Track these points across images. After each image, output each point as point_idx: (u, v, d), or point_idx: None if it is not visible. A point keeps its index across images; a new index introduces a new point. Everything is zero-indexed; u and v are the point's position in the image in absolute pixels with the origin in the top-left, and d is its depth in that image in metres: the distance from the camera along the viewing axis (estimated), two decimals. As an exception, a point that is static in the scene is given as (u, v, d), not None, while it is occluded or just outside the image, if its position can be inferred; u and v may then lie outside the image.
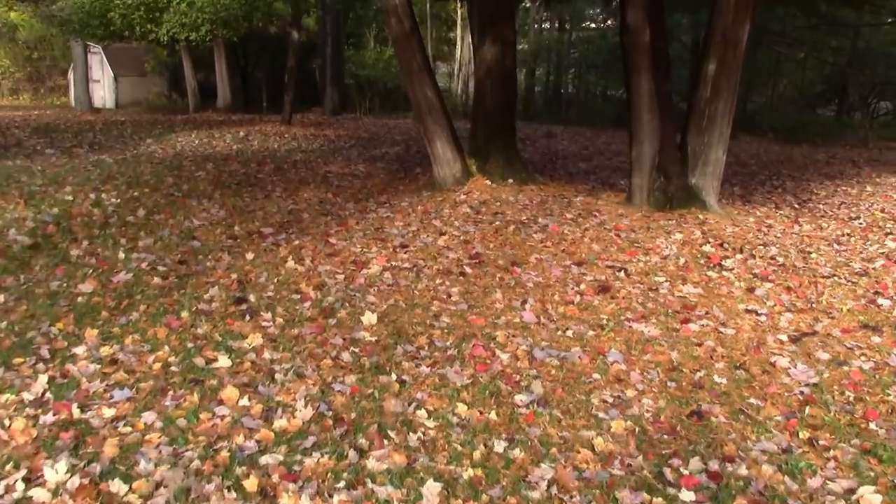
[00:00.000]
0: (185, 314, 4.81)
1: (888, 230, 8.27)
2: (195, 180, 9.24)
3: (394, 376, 4.03)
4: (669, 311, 5.29)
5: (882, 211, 9.49)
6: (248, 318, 4.85)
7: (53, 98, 31.85)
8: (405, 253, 6.60)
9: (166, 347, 4.28)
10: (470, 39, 29.95)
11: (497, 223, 7.72)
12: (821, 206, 9.77)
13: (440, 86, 31.78)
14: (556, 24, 31.20)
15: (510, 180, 9.58)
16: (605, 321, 5.03)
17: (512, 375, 4.11)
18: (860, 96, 22.66)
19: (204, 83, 27.22)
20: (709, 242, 7.13)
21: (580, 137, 19.28)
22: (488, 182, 9.48)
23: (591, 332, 4.87)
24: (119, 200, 7.72)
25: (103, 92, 29.49)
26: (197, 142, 13.59)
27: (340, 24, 22.74)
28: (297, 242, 6.70)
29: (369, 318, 4.89)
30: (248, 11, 14.49)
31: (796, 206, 9.77)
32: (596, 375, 4.17)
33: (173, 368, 4.02)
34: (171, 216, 7.28)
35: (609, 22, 26.55)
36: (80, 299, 5.03)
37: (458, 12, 29.57)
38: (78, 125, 16.69)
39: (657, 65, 8.42)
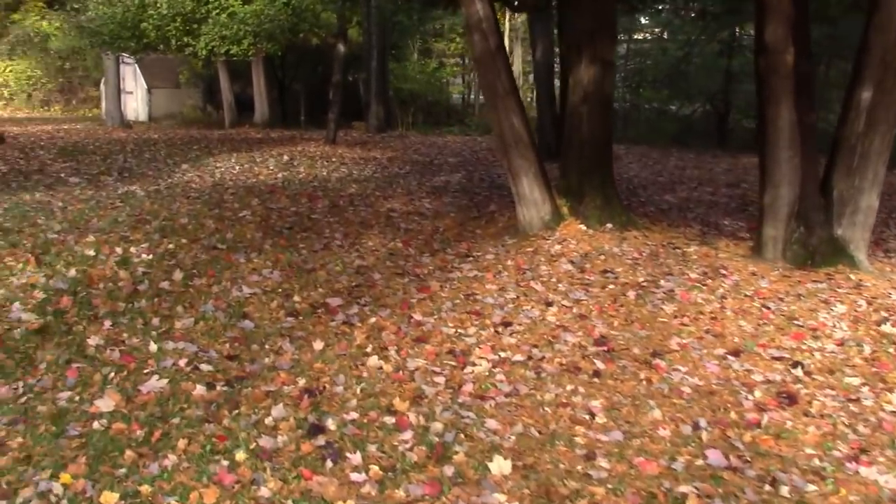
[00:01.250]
0: (240, 455, 3.39)
1: None
2: (240, 224, 7.86)
3: None
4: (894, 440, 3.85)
5: None
6: (329, 463, 3.41)
7: (85, 110, 30.85)
8: (511, 335, 5.17)
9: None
10: (521, 52, 28.55)
11: (611, 287, 6.26)
12: None
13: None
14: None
15: (608, 225, 8.10)
16: (816, 461, 3.58)
17: None
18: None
19: (240, 95, 26.03)
20: (888, 320, 5.61)
21: (647, 160, 17.73)
22: (583, 227, 8.01)
23: (810, 487, 3.40)
24: (151, 256, 6.34)
25: (136, 104, 28.42)
26: (237, 168, 12.25)
27: (387, 36, 21.38)
28: (373, 320, 5.27)
29: (500, 464, 3.44)
30: (295, 23, 13.15)
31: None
32: None
33: None
34: (215, 280, 5.88)
35: (665, 34, 25.01)
36: (96, 425, 3.63)
37: (507, 24, 28.11)
38: (108, 145, 15.44)
39: (801, 92, 6.91)
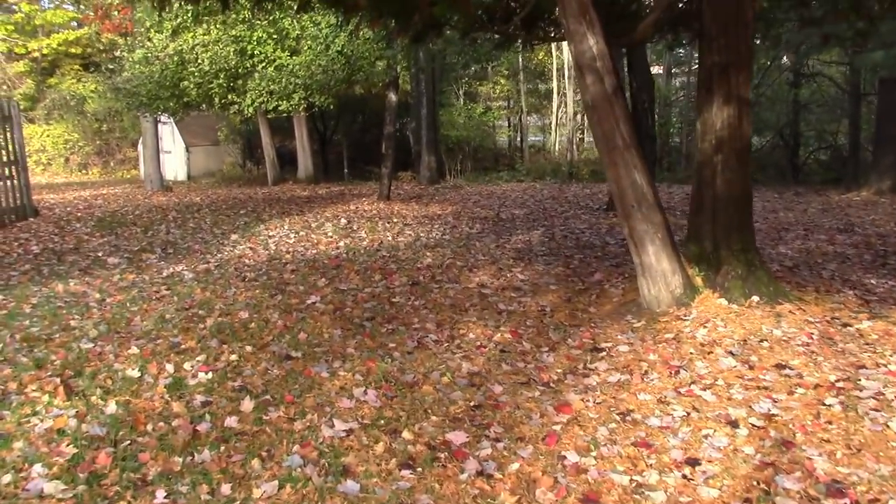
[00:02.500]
0: None
1: None
2: (311, 316, 6.49)
3: None
4: None
5: None
6: None
7: (123, 171, 30.15)
8: (706, 482, 3.72)
9: None
10: (569, 91, 27.19)
11: (799, 392, 4.78)
12: None
13: (535, 140, 29.22)
14: (661, 69, 28.32)
15: (754, 298, 6.61)
16: None
17: None
18: None
19: (280, 150, 25.07)
20: None
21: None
22: (723, 301, 6.54)
23: None
24: (210, 375, 4.98)
25: (175, 163, 27.58)
26: (293, 237, 10.96)
27: (437, 83, 20.22)
28: (515, 466, 3.85)
29: None
30: (349, 74, 11.95)
31: None
32: None
33: None
34: (297, 409, 4.49)
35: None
36: None
37: (555, 61, 26.91)
38: (148, 213, 14.32)
39: None
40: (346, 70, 11.36)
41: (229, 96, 12.88)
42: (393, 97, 15.38)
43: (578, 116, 25.74)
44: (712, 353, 5.56)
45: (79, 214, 14.06)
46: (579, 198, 17.59)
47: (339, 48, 11.23)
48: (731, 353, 5.52)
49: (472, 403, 4.67)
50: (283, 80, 11.06)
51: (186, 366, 5.15)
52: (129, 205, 15.80)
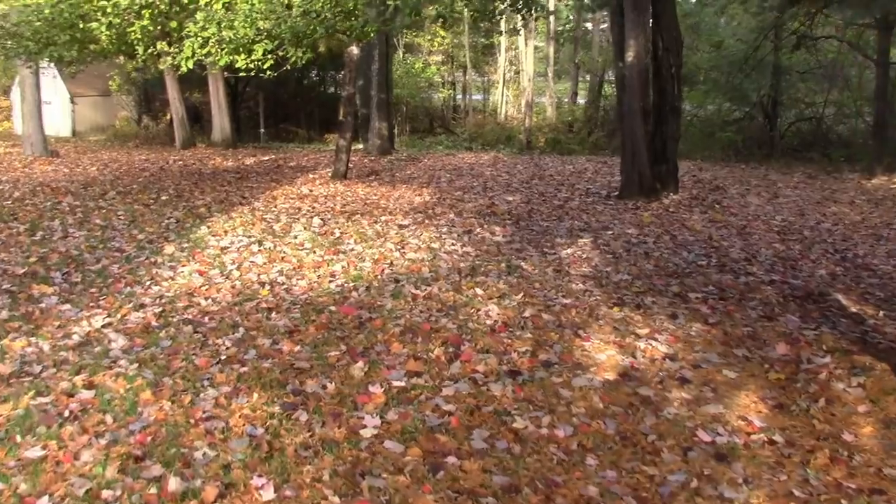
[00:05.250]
0: None
1: None
2: (391, 477, 3.40)
3: None
4: None
5: None
6: None
7: (-5, 124, 25.51)
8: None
9: None
10: (528, 46, 23.89)
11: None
12: None
13: (476, 100, 25.98)
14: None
15: None
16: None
17: None
18: None
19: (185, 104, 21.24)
20: None
21: (741, 182, 13.72)
22: None
23: None
24: None
25: (56, 117, 23.21)
26: (258, 251, 7.65)
27: (391, 34, 16.80)
28: None
29: None
30: (342, 18, 8.49)
31: None
32: None
33: None
34: None
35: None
36: None
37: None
38: (32, 198, 10.60)
39: None
40: (335, 14, 7.92)
41: (158, 45, 9.20)
42: (355, 49, 12.03)
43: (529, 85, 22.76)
44: None
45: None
46: (566, 176, 14.76)
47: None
48: None
49: None
50: (240, 24, 7.56)
51: None
52: (4, 186, 11.96)
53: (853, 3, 14.14)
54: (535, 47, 24.25)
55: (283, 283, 6.52)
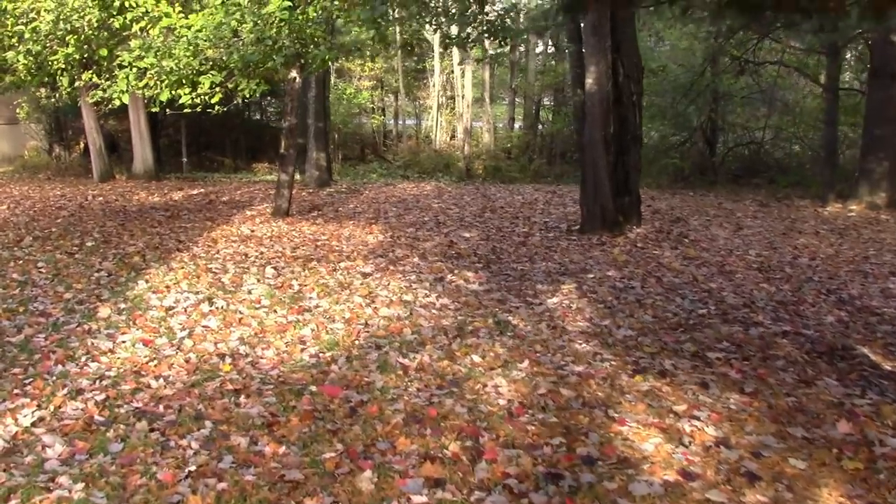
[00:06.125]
0: None
1: None
2: None
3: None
4: None
5: None
6: None
7: None
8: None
9: None
10: (465, 71, 23.17)
11: None
12: None
13: (408, 125, 25.28)
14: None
15: None
16: None
17: None
18: None
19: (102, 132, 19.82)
20: None
21: (697, 213, 13.34)
22: None
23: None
24: None
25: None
26: (209, 312, 6.68)
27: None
28: None
29: None
30: (300, 46, 7.56)
31: None
32: None
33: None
34: None
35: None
36: None
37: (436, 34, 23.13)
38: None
39: None
40: (295, 44, 6.96)
41: (84, 75, 8.07)
42: (296, 76, 11.12)
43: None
44: None
45: None
46: (518, 208, 14.13)
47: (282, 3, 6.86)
48: None
49: None
50: (181, 52, 6.55)
51: None
52: None
53: (802, 30, 13.97)
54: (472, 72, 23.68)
55: (247, 355, 5.58)
